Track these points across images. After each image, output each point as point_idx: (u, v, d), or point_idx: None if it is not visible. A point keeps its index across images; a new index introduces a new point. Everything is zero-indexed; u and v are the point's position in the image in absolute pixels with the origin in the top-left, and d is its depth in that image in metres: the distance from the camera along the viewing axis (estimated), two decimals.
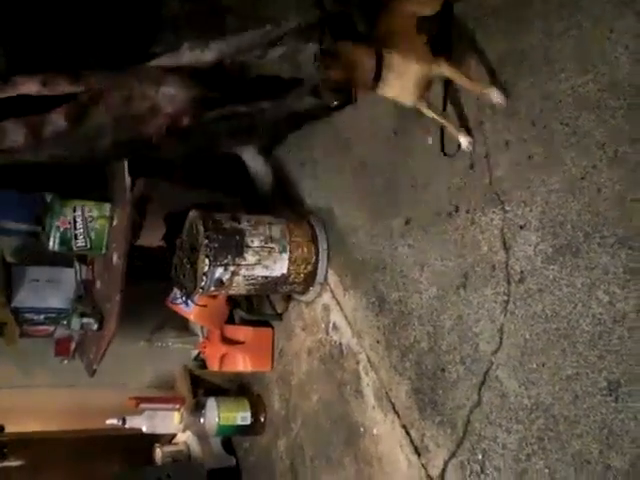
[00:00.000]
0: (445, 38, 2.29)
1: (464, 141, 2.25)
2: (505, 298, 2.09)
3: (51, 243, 3.07)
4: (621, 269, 1.74)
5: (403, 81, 2.18)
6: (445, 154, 2.38)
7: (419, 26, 2.19)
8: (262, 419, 3.60)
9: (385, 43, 2.19)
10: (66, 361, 3.73)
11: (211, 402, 3.56)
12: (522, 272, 2.03)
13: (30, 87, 1.98)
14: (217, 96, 2.29)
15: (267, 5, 2.43)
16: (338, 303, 2.98)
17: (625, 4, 1.79)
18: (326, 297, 3.07)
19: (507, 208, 2.10)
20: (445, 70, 2.18)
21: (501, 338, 2.09)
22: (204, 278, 2.82)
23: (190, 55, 2.26)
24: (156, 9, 2.25)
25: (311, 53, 2.37)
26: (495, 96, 2.12)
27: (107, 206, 3.12)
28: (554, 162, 1.94)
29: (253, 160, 3.23)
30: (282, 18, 2.44)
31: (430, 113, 2.28)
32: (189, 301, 3.26)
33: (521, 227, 2.04)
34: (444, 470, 2.28)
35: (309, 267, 3.03)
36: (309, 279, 3.06)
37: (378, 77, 2.16)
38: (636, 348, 1.68)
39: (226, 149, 3.06)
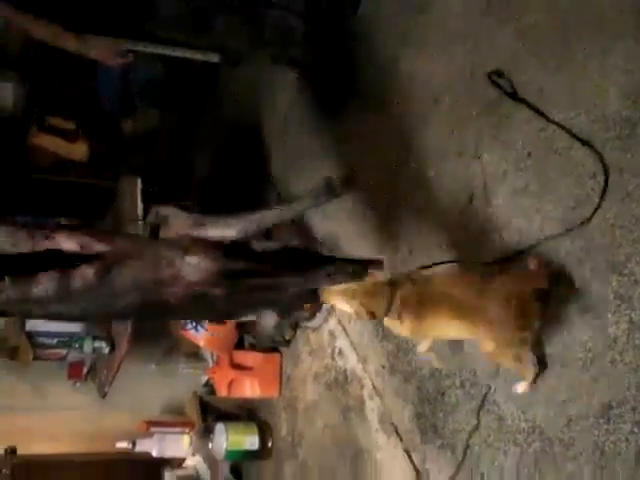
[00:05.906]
0: None
1: (522, 387, 2.01)
2: None
3: None
4: (612, 295, 1.79)
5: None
6: None
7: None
8: (269, 444, 3.64)
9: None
10: (79, 384, 3.81)
11: (220, 427, 3.61)
12: None
13: (68, 246, 2.09)
14: (242, 268, 2.33)
15: None
16: (344, 329, 3.03)
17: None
18: (332, 323, 3.12)
19: None
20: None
21: None
22: None
23: (215, 231, 2.38)
24: None
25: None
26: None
27: None
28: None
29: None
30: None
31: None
32: (199, 327, 3.33)
33: None
34: None
35: None
36: (316, 305, 3.12)
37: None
38: (626, 371, 1.73)
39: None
